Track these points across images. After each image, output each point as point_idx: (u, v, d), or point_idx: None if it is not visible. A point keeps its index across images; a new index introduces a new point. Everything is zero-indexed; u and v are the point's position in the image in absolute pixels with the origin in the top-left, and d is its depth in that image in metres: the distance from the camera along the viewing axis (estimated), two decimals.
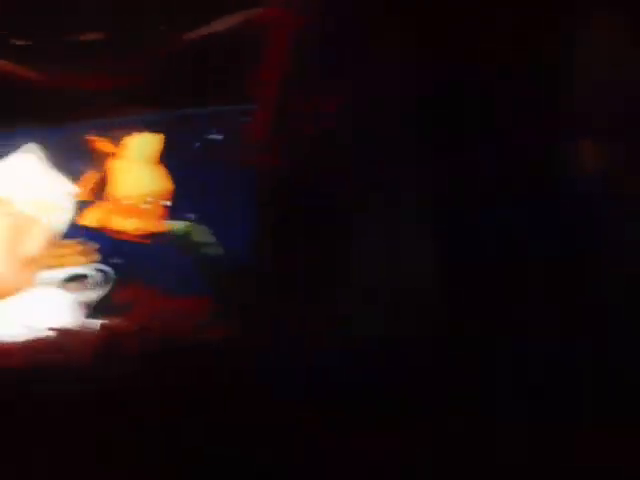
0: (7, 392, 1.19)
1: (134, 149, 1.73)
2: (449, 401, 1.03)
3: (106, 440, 1.13)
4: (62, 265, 1.58)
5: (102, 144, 1.72)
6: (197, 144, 1.64)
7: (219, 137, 1.61)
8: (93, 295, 1.51)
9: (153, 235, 1.62)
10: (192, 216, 1.61)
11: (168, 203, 1.63)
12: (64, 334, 1.27)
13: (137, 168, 1.73)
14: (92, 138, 1.72)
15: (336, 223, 1.18)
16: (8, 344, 1.30)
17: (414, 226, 1.14)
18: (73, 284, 1.53)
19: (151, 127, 1.70)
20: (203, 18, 1.53)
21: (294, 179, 1.20)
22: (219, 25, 1.50)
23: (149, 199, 1.66)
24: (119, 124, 1.70)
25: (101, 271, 1.55)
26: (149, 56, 1.57)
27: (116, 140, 1.70)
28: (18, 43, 1.77)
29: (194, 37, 1.54)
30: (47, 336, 1.29)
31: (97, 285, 1.51)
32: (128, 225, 1.66)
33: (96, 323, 1.48)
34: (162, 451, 1.13)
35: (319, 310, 1.12)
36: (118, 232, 1.67)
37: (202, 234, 1.59)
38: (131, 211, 1.69)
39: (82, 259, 1.59)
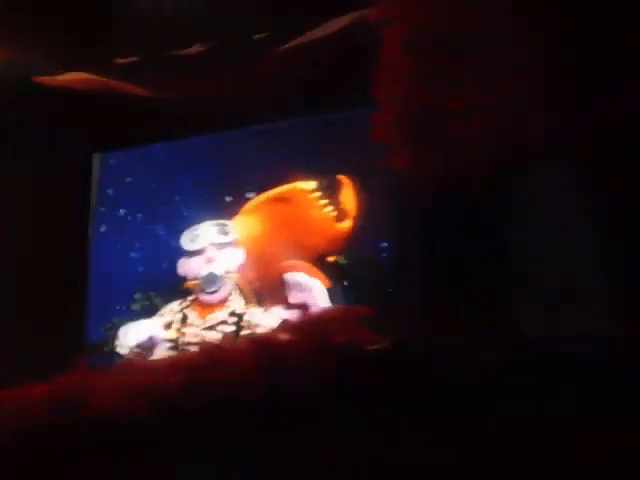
0: (167, 411, 1.22)
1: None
2: None
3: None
4: None
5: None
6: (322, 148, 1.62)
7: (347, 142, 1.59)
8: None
9: None
10: None
11: None
12: (219, 349, 1.29)
13: None
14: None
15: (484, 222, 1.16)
16: (164, 363, 1.33)
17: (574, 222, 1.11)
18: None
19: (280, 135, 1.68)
20: (312, 21, 1.52)
21: (432, 184, 1.18)
22: (331, 27, 1.49)
23: None
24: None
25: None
26: (271, 64, 1.56)
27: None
28: (122, 62, 1.79)
29: (304, 41, 1.53)
30: (202, 352, 1.32)
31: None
32: None
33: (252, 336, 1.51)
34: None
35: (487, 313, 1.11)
36: None
37: None
38: None
39: None
